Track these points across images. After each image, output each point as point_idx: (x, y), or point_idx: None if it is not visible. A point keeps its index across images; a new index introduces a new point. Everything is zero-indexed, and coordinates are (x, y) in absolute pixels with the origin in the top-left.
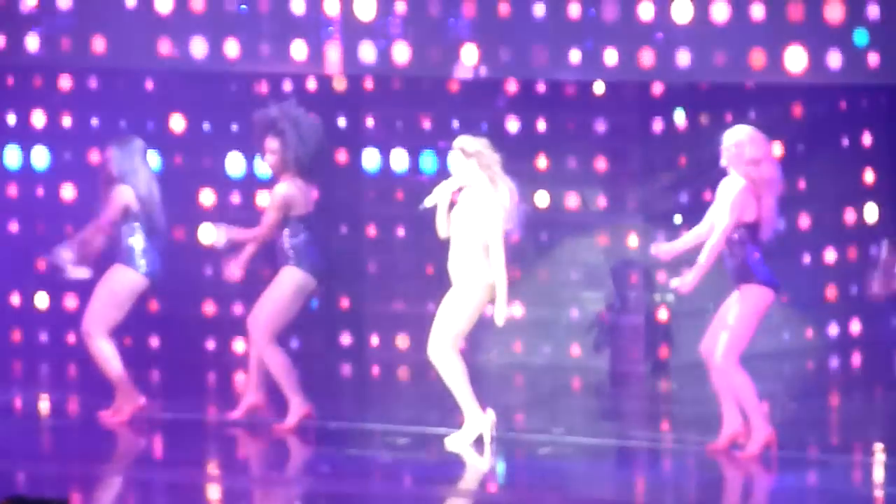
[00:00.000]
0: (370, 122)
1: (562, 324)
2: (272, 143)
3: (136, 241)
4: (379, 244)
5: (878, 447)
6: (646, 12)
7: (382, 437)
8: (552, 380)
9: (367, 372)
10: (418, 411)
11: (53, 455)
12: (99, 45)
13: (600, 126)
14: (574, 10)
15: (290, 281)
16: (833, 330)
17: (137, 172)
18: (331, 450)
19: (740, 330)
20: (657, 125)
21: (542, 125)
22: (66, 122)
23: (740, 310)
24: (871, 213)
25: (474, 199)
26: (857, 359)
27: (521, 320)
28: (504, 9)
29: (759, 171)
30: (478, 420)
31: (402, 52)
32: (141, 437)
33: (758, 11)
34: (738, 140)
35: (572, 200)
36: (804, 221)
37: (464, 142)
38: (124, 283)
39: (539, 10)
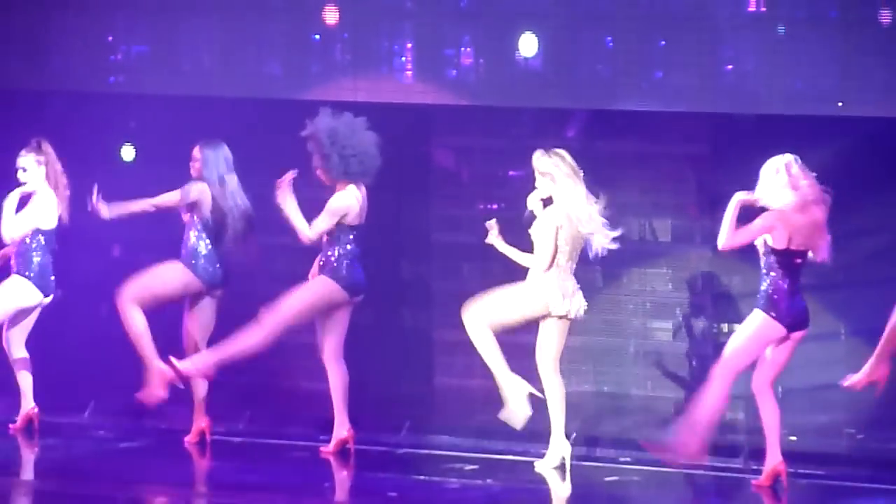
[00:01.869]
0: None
1: (629, 353)
2: (315, 160)
3: (199, 243)
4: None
5: None
6: (719, 43)
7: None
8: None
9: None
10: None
11: None
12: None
13: (669, 155)
14: (643, 40)
15: (314, 288)
16: None
17: (224, 179)
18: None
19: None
20: (729, 154)
21: (612, 153)
22: None
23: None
24: None
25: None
26: None
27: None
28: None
29: (782, 198)
30: (515, 389)
31: (473, 81)
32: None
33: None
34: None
35: (640, 230)
36: None
37: (537, 161)
38: (178, 277)
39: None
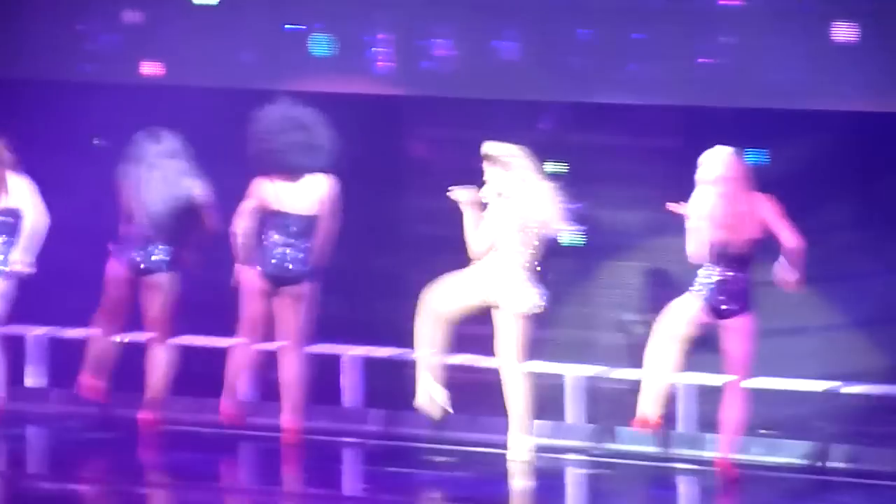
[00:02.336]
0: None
1: (601, 345)
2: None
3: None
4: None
5: None
6: (692, 37)
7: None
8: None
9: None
10: None
11: None
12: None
13: (646, 148)
14: (621, 33)
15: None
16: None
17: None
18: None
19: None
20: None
21: (590, 145)
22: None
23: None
24: None
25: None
26: None
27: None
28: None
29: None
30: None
31: (450, 72)
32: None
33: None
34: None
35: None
36: None
37: (488, 148)
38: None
39: (586, 33)
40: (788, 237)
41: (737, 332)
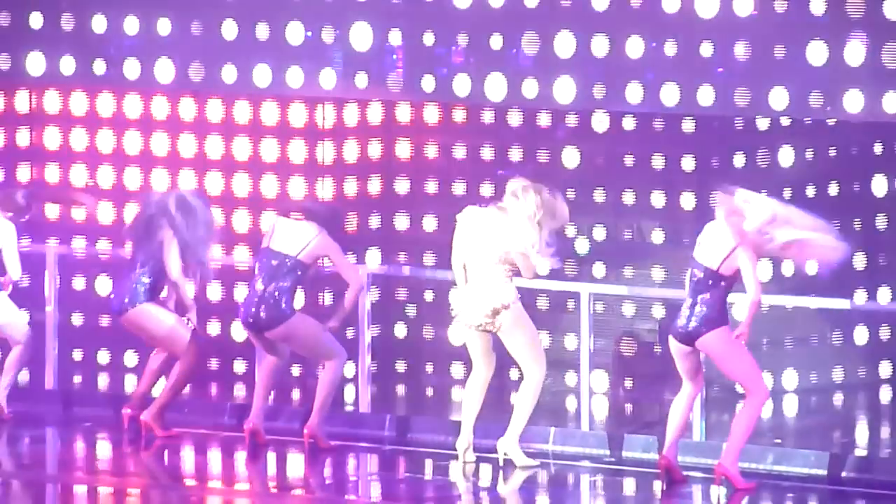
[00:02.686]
0: (432, 151)
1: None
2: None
3: None
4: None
5: None
6: (706, 50)
7: None
8: None
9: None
10: None
11: None
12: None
13: (658, 160)
14: (635, 45)
15: None
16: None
17: None
18: None
19: None
20: (714, 161)
21: (600, 158)
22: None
23: None
24: None
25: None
26: None
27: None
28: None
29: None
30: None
31: (463, 83)
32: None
33: (816, 52)
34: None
35: (628, 232)
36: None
37: (515, 186)
38: None
39: (601, 45)
40: (751, 290)
41: (708, 353)
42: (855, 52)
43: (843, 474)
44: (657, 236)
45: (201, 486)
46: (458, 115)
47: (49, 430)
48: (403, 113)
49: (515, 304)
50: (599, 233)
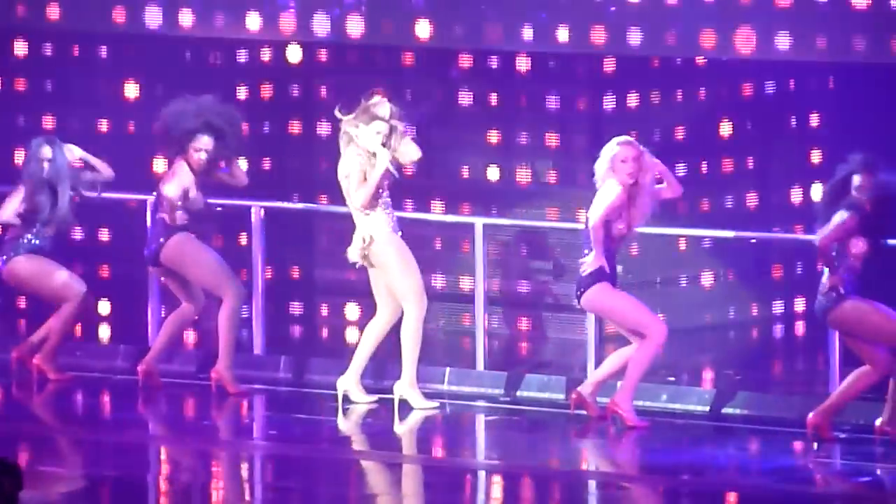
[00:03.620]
0: (323, 92)
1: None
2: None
3: None
4: (331, 213)
5: None
6: None
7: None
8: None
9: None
10: None
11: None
12: (53, 11)
13: (552, 101)
14: None
15: None
16: (778, 307)
17: None
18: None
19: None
20: (609, 102)
21: (494, 99)
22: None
23: None
24: (818, 193)
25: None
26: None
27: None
28: None
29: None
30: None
31: (355, 23)
32: None
33: None
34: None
35: (523, 174)
36: (752, 201)
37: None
38: None
39: None
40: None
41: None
42: None
43: (732, 411)
44: (551, 176)
45: (95, 429)
46: (352, 56)
47: None
48: (294, 54)
49: (385, 237)
50: (493, 173)
